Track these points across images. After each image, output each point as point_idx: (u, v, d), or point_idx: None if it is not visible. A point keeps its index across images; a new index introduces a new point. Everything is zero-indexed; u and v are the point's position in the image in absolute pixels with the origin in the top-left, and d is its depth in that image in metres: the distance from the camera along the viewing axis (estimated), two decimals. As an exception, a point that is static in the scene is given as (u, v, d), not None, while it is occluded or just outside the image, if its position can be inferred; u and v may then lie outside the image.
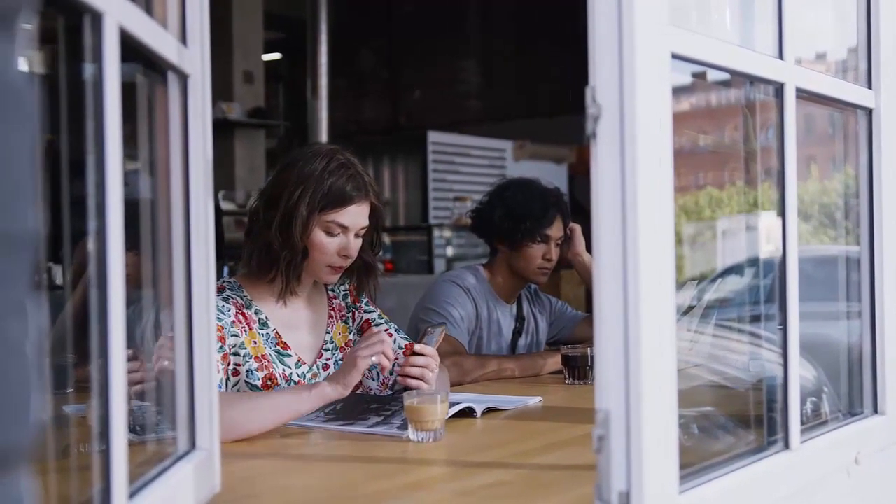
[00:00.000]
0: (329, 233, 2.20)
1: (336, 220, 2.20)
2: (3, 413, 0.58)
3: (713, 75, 1.56)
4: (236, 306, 2.19)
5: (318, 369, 2.30)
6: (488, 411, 2.19)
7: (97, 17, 1.00)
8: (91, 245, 1.02)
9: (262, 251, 2.22)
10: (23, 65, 0.61)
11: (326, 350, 2.34)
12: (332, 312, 2.39)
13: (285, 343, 2.25)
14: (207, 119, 1.41)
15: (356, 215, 2.23)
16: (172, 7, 1.35)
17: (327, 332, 2.36)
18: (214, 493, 1.43)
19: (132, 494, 1.10)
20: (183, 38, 1.36)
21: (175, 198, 1.36)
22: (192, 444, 1.38)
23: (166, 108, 1.36)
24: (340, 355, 2.35)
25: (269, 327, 2.24)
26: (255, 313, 2.23)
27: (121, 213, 1.03)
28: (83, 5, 0.97)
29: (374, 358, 1.99)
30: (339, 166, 2.20)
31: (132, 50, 1.13)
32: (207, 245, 1.40)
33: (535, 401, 2.37)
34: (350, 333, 2.40)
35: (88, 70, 1.03)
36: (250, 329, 2.20)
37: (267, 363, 2.19)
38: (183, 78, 1.36)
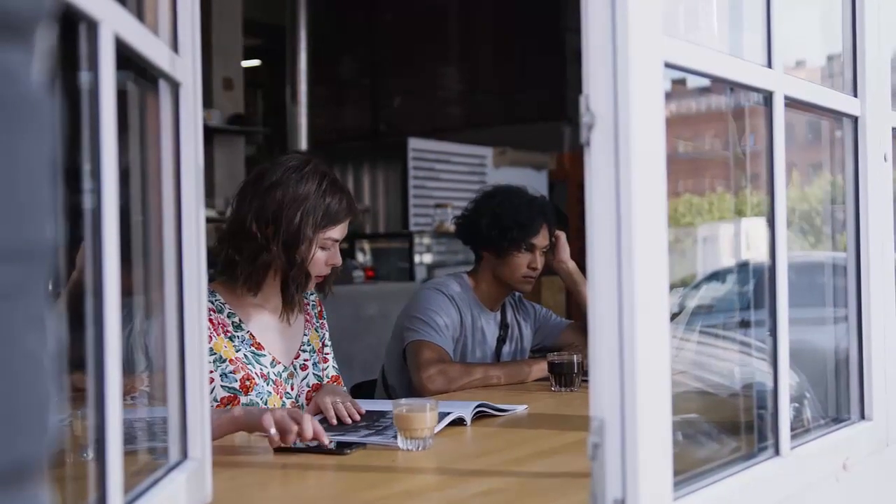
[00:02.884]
0: (323, 248, 2.31)
1: (332, 237, 2.31)
2: (23, 425, 0.57)
3: (692, 82, 1.57)
4: None
5: (294, 369, 2.38)
6: (479, 417, 2.20)
7: (93, 25, 1.00)
8: (87, 254, 1.01)
9: (262, 269, 2.27)
10: (40, 76, 0.60)
11: (304, 351, 2.43)
12: (308, 317, 2.48)
13: (259, 343, 2.31)
14: (199, 127, 1.40)
15: (345, 228, 2.35)
16: (163, 15, 1.35)
17: (304, 335, 2.44)
18: (206, 504, 1.42)
19: (126, 505, 1.10)
20: (175, 47, 1.35)
21: (166, 206, 1.36)
22: (184, 455, 1.37)
23: (157, 116, 1.35)
24: (317, 357, 2.46)
25: (243, 329, 2.30)
26: (228, 317, 2.29)
27: (116, 220, 1.03)
28: (79, 13, 0.97)
29: (272, 431, 1.83)
30: (330, 184, 2.31)
31: (124, 58, 1.12)
32: (199, 253, 1.39)
33: (521, 409, 2.37)
34: (319, 341, 2.50)
35: (83, 78, 1.02)
36: (218, 334, 2.25)
37: (241, 364, 2.25)
38: (175, 86, 1.35)
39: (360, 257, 7.49)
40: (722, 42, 1.78)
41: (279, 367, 2.33)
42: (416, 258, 7.50)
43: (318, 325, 2.52)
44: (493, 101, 9.66)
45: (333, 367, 2.54)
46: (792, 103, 1.60)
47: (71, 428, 1.47)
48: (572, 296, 3.28)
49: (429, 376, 2.76)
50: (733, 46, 1.79)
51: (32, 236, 0.58)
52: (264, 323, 2.35)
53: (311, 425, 1.84)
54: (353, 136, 10.14)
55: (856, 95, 1.85)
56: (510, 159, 8.54)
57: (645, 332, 1.17)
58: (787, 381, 1.55)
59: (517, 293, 3.21)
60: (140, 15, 1.26)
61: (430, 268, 7.45)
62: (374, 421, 2.14)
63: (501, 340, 3.15)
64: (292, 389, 2.36)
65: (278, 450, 1.89)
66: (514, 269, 3.03)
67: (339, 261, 2.35)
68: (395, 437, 1.90)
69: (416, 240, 7.56)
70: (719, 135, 1.97)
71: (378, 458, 1.83)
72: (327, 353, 2.54)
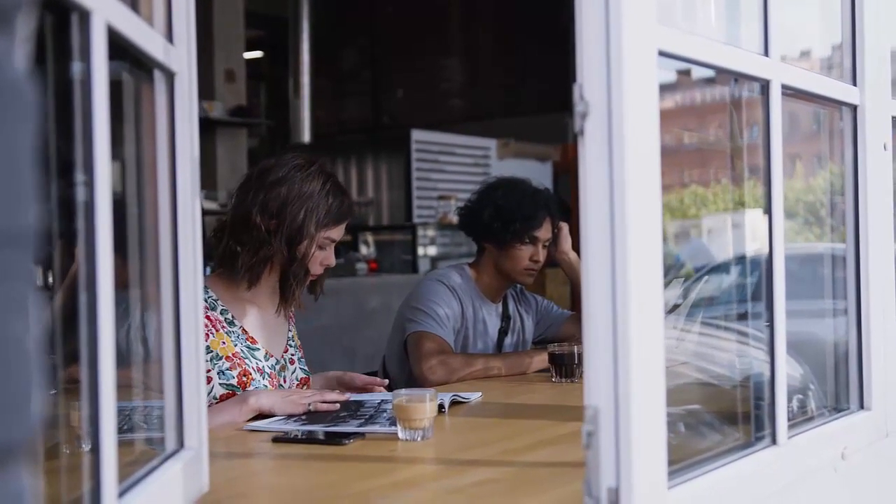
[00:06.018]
0: (320, 247, 2.34)
1: (331, 237, 2.35)
2: (6, 409, 0.58)
3: (697, 73, 1.57)
4: None
5: (285, 362, 2.43)
6: (454, 404, 2.25)
7: (85, 15, 1.00)
8: (79, 246, 1.01)
9: (262, 263, 2.30)
10: (22, 62, 0.61)
11: (291, 346, 2.47)
12: (291, 315, 2.52)
13: (253, 338, 2.35)
14: (194, 118, 1.40)
15: (343, 230, 2.40)
16: (158, 5, 1.35)
17: (290, 330, 2.49)
18: (203, 493, 1.43)
19: (121, 494, 1.10)
20: (169, 36, 1.35)
21: (162, 198, 1.36)
22: (181, 444, 1.38)
23: (153, 107, 1.35)
24: (300, 353, 2.51)
25: (236, 325, 2.33)
26: (221, 313, 2.32)
27: (109, 212, 1.03)
28: (71, 3, 0.97)
29: (311, 407, 2.14)
30: (333, 185, 2.35)
31: (118, 48, 1.12)
32: (195, 245, 1.39)
33: (475, 396, 2.39)
34: (297, 338, 2.55)
35: (76, 68, 1.02)
36: (217, 331, 2.28)
37: (239, 360, 2.28)
38: (170, 76, 1.35)
39: (363, 250, 7.50)
40: (720, 32, 1.78)
41: (272, 361, 2.37)
42: (420, 250, 7.51)
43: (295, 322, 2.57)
44: (496, 92, 9.65)
45: (302, 368, 2.55)
46: (789, 92, 1.60)
47: (69, 419, 1.47)
48: (575, 287, 3.28)
49: (430, 367, 2.76)
50: (732, 36, 1.78)
51: (14, 222, 0.59)
52: (255, 318, 2.38)
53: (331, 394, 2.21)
54: (355, 129, 10.15)
55: (855, 84, 1.85)
56: (514, 151, 8.53)
57: (639, 321, 1.17)
58: (784, 370, 1.55)
59: (519, 285, 3.21)
60: (134, 4, 1.26)
61: (434, 260, 7.46)
62: (356, 410, 2.15)
63: (503, 332, 3.16)
64: (284, 382, 2.39)
65: (276, 440, 1.90)
66: (516, 261, 3.03)
67: (332, 262, 2.40)
68: (392, 424, 1.90)
69: (420, 232, 7.56)
70: (725, 126, 1.96)
71: (376, 448, 1.84)
72: (293, 357, 2.56)
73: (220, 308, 2.32)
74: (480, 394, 2.42)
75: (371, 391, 2.43)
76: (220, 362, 2.25)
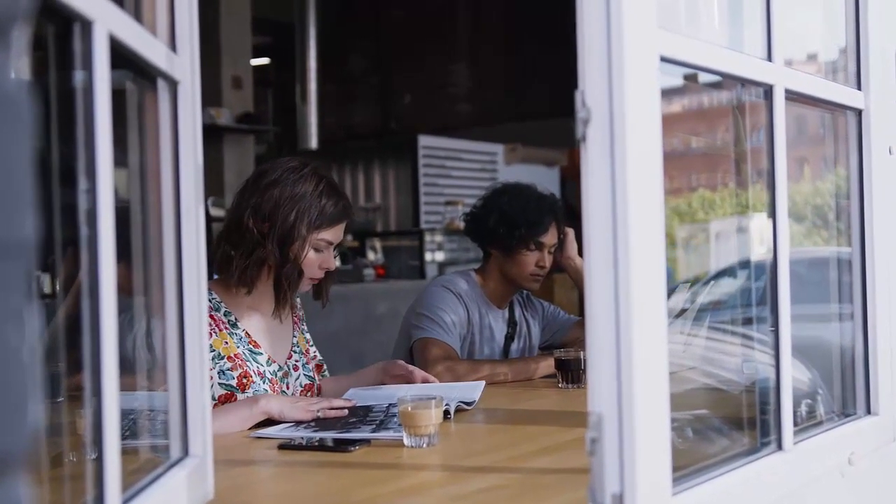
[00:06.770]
0: (317, 249, 2.34)
1: (326, 238, 2.34)
2: (2, 419, 0.58)
3: (704, 77, 1.57)
4: None
5: (288, 368, 2.42)
6: (459, 410, 2.24)
7: (87, 25, 1.00)
8: (82, 253, 1.01)
9: (256, 266, 2.30)
10: (18, 73, 0.61)
11: (295, 352, 2.47)
12: (296, 320, 2.52)
13: (256, 342, 2.35)
14: (198, 126, 1.40)
15: (341, 231, 2.39)
16: (161, 14, 1.35)
17: (294, 336, 2.49)
18: (207, 501, 1.43)
19: (125, 501, 1.10)
20: (172, 45, 1.36)
21: (166, 206, 1.36)
22: (185, 451, 1.38)
23: (156, 115, 1.36)
24: (305, 359, 2.49)
25: (239, 328, 2.33)
26: (225, 315, 2.33)
27: (112, 220, 1.03)
28: (73, 13, 0.97)
29: (319, 413, 2.14)
30: (327, 187, 2.35)
31: (121, 57, 1.13)
32: (199, 253, 1.39)
33: (479, 385, 2.43)
34: (307, 343, 2.54)
35: (78, 77, 1.03)
36: (220, 331, 2.29)
37: (241, 362, 2.29)
38: (173, 85, 1.36)
39: (370, 255, 7.49)
40: (724, 37, 1.78)
41: (274, 367, 2.37)
42: (427, 256, 7.50)
43: (303, 328, 2.56)
44: (503, 97, 9.64)
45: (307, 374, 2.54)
46: (793, 97, 1.60)
47: (75, 427, 1.48)
48: (581, 293, 3.27)
49: (436, 373, 2.75)
50: (735, 40, 1.78)
51: (12, 232, 0.59)
52: (258, 323, 2.38)
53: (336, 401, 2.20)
54: (363, 134, 10.13)
55: (860, 88, 1.84)
56: (521, 156, 8.53)
57: (642, 327, 1.17)
58: (790, 375, 1.55)
59: (525, 290, 3.21)
60: (138, 14, 1.27)
61: (441, 265, 7.45)
62: (364, 416, 2.15)
63: (510, 338, 3.15)
64: (287, 388, 2.38)
65: (282, 447, 1.90)
66: (522, 267, 3.03)
67: (332, 265, 2.39)
68: (399, 429, 1.90)
69: (427, 237, 7.55)
70: (732, 129, 1.96)
71: (382, 454, 1.83)
72: (315, 351, 2.57)
73: (223, 310, 2.32)
74: (483, 382, 2.44)
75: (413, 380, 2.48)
76: (222, 362, 2.25)
